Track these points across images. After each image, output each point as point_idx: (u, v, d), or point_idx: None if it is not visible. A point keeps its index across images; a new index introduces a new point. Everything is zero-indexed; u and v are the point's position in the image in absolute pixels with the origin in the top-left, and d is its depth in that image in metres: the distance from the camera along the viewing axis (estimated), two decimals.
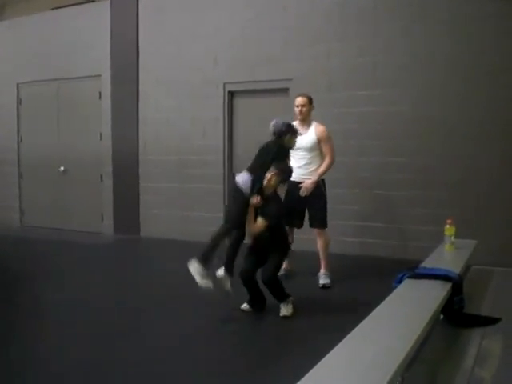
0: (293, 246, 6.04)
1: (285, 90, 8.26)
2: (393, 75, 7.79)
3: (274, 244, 5.31)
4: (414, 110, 7.67)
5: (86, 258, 8.22)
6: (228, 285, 5.32)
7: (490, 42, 7.26)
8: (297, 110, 6.33)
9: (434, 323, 3.19)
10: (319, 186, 6.32)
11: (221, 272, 5.34)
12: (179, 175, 9.45)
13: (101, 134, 10.22)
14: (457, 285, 3.79)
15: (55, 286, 6.51)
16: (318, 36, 8.24)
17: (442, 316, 3.74)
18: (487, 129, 7.29)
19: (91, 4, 11.47)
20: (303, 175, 6.30)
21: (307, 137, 6.25)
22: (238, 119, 9.04)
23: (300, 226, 6.47)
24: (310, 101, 6.38)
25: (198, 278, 5.09)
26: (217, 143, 9.06)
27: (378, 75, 7.86)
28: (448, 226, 4.94)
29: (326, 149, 6.31)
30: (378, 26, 7.88)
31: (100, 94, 10.21)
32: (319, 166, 6.32)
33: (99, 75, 10.15)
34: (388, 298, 3.32)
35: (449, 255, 4.81)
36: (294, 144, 5.73)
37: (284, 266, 6.35)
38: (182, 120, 9.39)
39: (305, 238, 6.83)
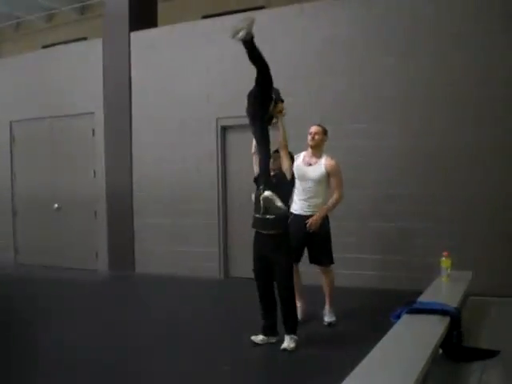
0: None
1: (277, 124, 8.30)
2: (384, 109, 7.88)
3: (276, 252, 5.32)
4: (406, 143, 7.74)
5: (81, 296, 8.17)
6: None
7: (482, 75, 7.37)
8: (309, 136, 6.17)
9: (433, 359, 3.18)
10: (324, 222, 6.15)
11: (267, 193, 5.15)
12: (174, 211, 9.44)
13: (94, 171, 10.25)
14: (455, 319, 3.78)
15: (51, 326, 6.45)
16: (309, 71, 8.34)
17: (440, 351, 3.73)
18: (484, 160, 7.35)
19: (83, 42, 11.61)
20: (307, 208, 6.13)
21: (316, 168, 6.10)
22: (232, 154, 9.07)
23: (299, 260, 6.24)
24: (325, 132, 6.26)
25: None
26: (211, 178, 9.08)
27: (370, 109, 7.95)
28: (444, 258, 4.95)
29: (335, 183, 6.15)
30: (369, 61, 7.99)
31: (93, 131, 10.26)
32: (324, 200, 6.14)
33: (92, 112, 10.22)
34: (387, 336, 3.31)
35: (446, 288, 4.81)
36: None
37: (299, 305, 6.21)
38: (175, 156, 9.42)
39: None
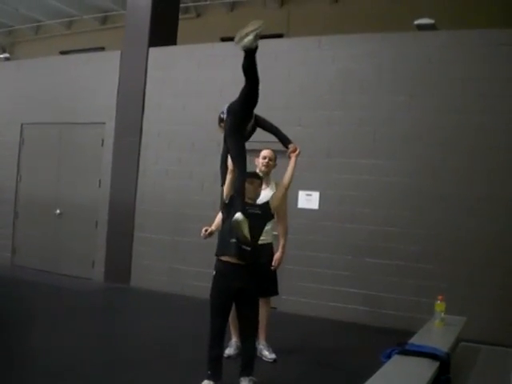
0: None
1: (284, 152, 8.35)
2: (391, 146, 7.95)
3: (249, 284, 4.88)
4: (410, 182, 7.80)
5: (73, 305, 8.09)
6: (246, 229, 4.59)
7: (490, 119, 7.46)
8: (263, 161, 5.84)
9: None
10: (273, 254, 5.93)
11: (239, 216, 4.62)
12: (174, 228, 9.46)
13: (100, 181, 10.30)
14: (444, 364, 3.80)
15: (40, 333, 6.35)
16: (319, 103, 8.43)
17: None
18: (483, 204, 7.41)
19: (101, 52, 11.73)
20: None
21: (268, 194, 5.56)
22: None
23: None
24: (276, 158, 6.02)
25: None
26: (214, 199, 9.10)
27: (376, 145, 8.02)
28: (439, 301, 4.97)
29: (283, 211, 5.86)
30: (380, 98, 8.09)
31: (102, 141, 10.33)
32: (272, 227, 5.83)
33: (103, 123, 10.29)
34: (375, 375, 3.33)
35: (438, 332, 4.82)
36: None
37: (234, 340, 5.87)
38: (181, 174, 9.47)
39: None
